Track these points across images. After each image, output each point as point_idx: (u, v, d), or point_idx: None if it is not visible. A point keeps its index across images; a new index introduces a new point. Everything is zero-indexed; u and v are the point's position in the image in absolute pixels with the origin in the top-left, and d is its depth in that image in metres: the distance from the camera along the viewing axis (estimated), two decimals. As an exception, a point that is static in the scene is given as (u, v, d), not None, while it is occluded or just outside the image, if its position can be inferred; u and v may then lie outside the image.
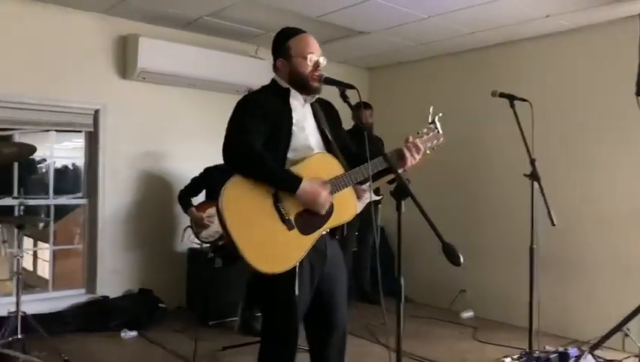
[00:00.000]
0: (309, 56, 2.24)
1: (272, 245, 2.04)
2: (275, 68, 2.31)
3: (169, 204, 4.82)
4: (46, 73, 4.20)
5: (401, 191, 1.88)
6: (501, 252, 4.86)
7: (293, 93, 2.26)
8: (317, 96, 2.34)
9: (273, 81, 2.32)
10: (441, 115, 2.42)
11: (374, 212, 5.04)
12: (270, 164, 2.06)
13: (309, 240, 2.11)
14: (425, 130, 2.39)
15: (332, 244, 2.29)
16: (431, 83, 5.51)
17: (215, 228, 4.29)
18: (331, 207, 2.15)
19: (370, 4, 4.00)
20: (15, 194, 4.14)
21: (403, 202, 1.90)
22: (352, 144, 2.43)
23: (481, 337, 4.37)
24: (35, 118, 4.26)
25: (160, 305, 4.52)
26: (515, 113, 3.16)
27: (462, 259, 1.72)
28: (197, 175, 4.53)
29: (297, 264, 2.07)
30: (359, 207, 2.47)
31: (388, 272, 5.49)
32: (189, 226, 4.47)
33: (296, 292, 2.08)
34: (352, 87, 2.18)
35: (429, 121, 2.41)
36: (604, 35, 4.26)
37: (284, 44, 2.26)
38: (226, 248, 4.12)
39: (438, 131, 2.40)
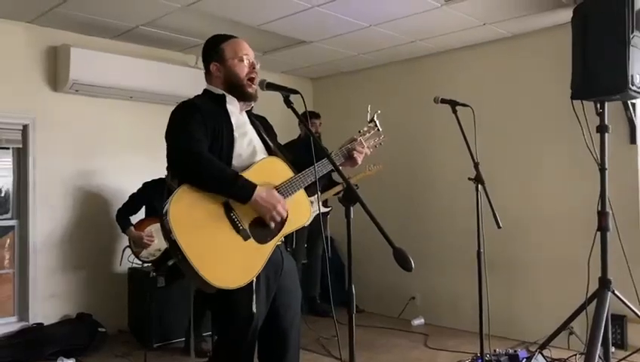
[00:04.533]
0: (244, 58, 2.19)
1: (228, 258, 1.93)
2: (209, 74, 2.24)
3: (106, 223, 4.57)
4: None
5: (350, 197, 1.82)
6: (449, 257, 4.90)
7: (229, 98, 2.19)
8: (252, 106, 2.28)
9: (205, 90, 2.25)
10: (379, 112, 2.43)
11: (323, 223, 5.05)
12: (221, 171, 1.97)
13: (266, 249, 2.02)
14: (365, 129, 2.39)
15: (287, 255, 2.21)
16: (374, 92, 5.54)
17: (156, 246, 4.11)
18: (286, 213, 2.07)
19: (311, 12, 3.97)
20: None
21: (352, 208, 1.85)
22: (297, 155, 2.37)
23: (433, 344, 4.37)
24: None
25: (100, 329, 4.26)
26: (457, 118, 3.19)
27: (413, 264, 1.68)
28: (135, 191, 4.33)
29: (254, 278, 1.97)
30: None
31: (338, 283, 5.46)
32: (127, 246, 4.25)
33: (254, 309, 1.98)
34: (295, 91, 2.13)
35: (368, 119, 2.41)
36: (540, 41, 4.40)
37: (216, 47, 2.21)
38: (168, 266, 3.94)
39: (378, 129, 2.41)
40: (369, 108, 2.40)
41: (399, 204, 5.28)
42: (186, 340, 4.13)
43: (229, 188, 1.95)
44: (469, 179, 3.07)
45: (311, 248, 5.07)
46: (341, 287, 5.41)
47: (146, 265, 4.26)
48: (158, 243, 4.10)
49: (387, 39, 4.67)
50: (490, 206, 2.97)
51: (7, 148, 4.34)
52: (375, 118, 2.41)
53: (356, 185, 1.92)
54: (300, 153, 2.36)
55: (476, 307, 3.09)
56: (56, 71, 4.32)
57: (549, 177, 4.39)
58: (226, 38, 2.24)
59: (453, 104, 3.24)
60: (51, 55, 4.34)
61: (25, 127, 4.26)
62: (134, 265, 4.40)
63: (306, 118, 2.19)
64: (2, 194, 4.64)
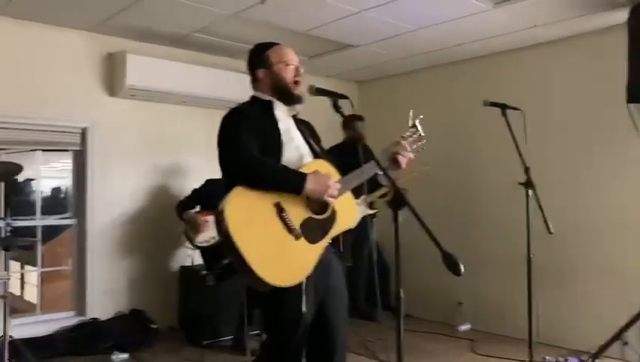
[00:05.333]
0: (289, 62, 2.26)
1: (281, 257, 1.99)
2: (255, 81, 2.32)
3: (159, 223, 4.74)
4: (33, 92, 4.14)
5: (398, 201, 1.84)
6: (497, 262, 4.83)
7: (277, 104, 2.26)
8: (297, 111, 2.34)
9: (253, 97, 2.32)
10: (421, 117, 2.43)
11: (369, 226, 5.05)
12: (272, 166, 2.05)
13: (317, 249, 2.07)
14: (407, 134, 2.41)
15: (335, 257, 2.25)
16: (421, 95, 5.52)
17: (211, 233, 4.16)
18: (334, 213, 2.12)
19: (358, 17, 4.00)
20: (2, 215, 4.05)
21: (400, 212, 1.86)
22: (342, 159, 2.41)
23: (480, 350, 4.31)
24: (21, 137, 4.18)
25: (152, 325, 4.41)
26: (507, 122, 3.15)
27: (462, 269, 1.68)
28: (198, 187, 4.44)
29: (306, 277, 2.02)
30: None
31: (383, 287, 5.44)
32: (183, 231, 4.36)
33: (304, 308, 2.03)
34: (344, 97, 2.18)
35: (410, 124, 2.43)
36: (593, 43, 4.28)
37: (262, 54, 2.30)
38: (219, 265, 4.04)
39: (420, 134, 2.42)
40: (410, 114, 2.42)
41: (446, 208, 5.23)
42: (234, 338, 4.23)
43: (281, 182, 2.02)
44: (519, 183, 3.03)
45: (356, 251, 5.08)
46: (386, 291, 5.43)
47: (195, 262, 4.37)
48: (214, 231, 4.16)
49: (435, 42, 4.65)
50: (541, 211, 2.93)
51: (67, 151, 4.55)
52: (416, 123, 2.42)
53: (405, 189, 1.92)
54: (345, 157, 2.40)
55: (525, 313, 3.04)
56: (113, 77, 4.50)
57: (600, 182, 4.26)
58: (270, 45, 2.32)
59: (502, 107, 3.21)
60: (109, 61, 4.53)
61: (84, 131, 4.46)
62: (185, 264, 4.53)
63: (353, 122, 2.24)
64: (62, 194, 4.88)
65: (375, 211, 4.90)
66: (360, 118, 5.02)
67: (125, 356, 4.03)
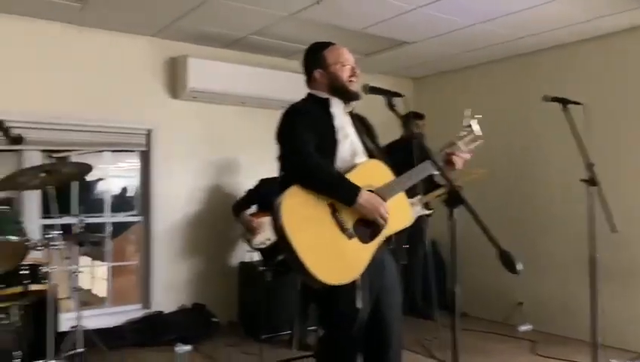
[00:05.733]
0: (346, 62, 2.29)
1: (334, 255, 2.02)
2: (312, 80, 2.34)
3: (220, 220, 4.90)
4: (101, 95, 4.37)
5: (454, 199, 1.83)
6: (560, 261, 4.68)
7: (333, 101, 2.28)
8: (353, 107, 2.35)
9: (310, 94, 2.35)
10: (479, 116, 2.39)
11: (425, 224, 5.00)
12: (328, 172, 2.07)
13: (370, 249, 2.09)
14: (463, 133, 2.37)
15: (388, 255, 2.27)
16: (479, 90, 5.42)
17: (267, 234, 4.29)
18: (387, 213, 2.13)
19: (414, 13, 3.98)
20: (75, 212, 4.31)
21: (455, 211, 1.86)
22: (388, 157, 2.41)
23: (541, 351, 4.20)
24: (90, 139, 4.42)
25: (213, 319, 4.57)
26: (568, 117, 3.06)
27: (520, 267, 1.66)
28: (251, 187, 4.57)
29: (358, 276, 2.05)
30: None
31: (440, 285, 5.38)
32: (242, 234, 4.50)
33: (359, 305, 2.06)
34: (399, 95, 2.19)
35: (465, 124, 2.39)
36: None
37: (318, 54, 2.32)
38: (277, 261, 4.14)
39: (476, 133, 2.37)
40: (466, 112, 2.38)
41: (505, 206, 5.11)
42: (292, 333, 4.31)
43: (335, 192, 2.04)
44: (582, 180, 2.93)
45: (412, 250, 5.04)
46: (443, 290, 5.35)
47: (254, 258, 4.48)
48: (269, 233, 4.27)
49: (493, 36, 4.55)
50: (606, 208, 2.83)
51: (134, 151, 4.78)
52: (472, 123, 2.37)
53: (460, 186, 1.91)
54: (401, 155, 2.40)
55: (589, 314, 2.94)
56: (175, 80, 4.69)
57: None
58: (325, 45, 2.34)
59: (564, 102, 3.11)
60: (171, 65, 4.71)
61: (149, 132, 4.67)
62: (244, 260, 4.66)
63: (409, 119, 2.24)
64: (129, 193, 5.12)
65: (431, 211, 4.88)
66: (419, 117, 4.99)
67: (188, 348, 4.17)
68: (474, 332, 4.68)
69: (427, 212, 4.85)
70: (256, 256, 4.64)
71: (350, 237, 2.05)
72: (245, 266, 4.78)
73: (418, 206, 4.63)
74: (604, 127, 4.14)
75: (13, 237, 2.85)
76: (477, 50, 4.97)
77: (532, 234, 4.89)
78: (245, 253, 4.79)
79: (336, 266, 2.01)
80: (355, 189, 2.04)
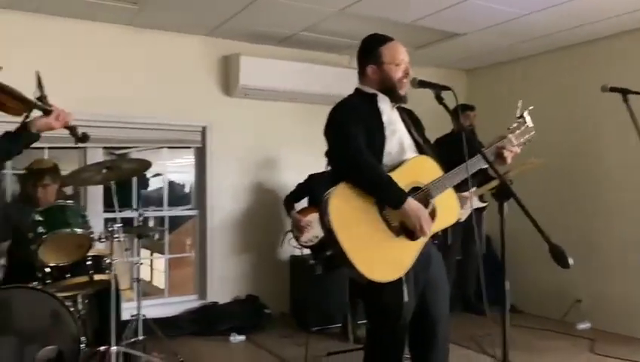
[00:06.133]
0: (401, 63, 2.25)
1: (381, 252, 2.03)
2: (363, 75, 2.31)
3: (272, 213, 5.00)
4: (158, 94, 4.53)
5: (504, 192, 1.81)
6: (621, 258, 4.50)
7: (381, 97, 2.27)
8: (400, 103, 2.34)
9: (357, 89, 2.34)
10: (531, 108, 2.34)
11: (479, 219, 4.92)
12: (377, 173, 2.06)
13: (416, 246, 2.09)
14: (515, 125, 2.32)
15: (434, 250, 2.26)
16: (534, 82, 5.26)
17: (314, 232, 4.36)
18: (434, 210, 2.13)
19: (466, 5, 3.91)
20: (135, 206, 4.51)
21: (506, 204, 1.84)
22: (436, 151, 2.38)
23: (600, 350, 4.05)
24: (149, 136, 4.61)
25: (265, 310, 4.68)
26: (628, 108, 2.92)
27: (571, 262, 1.63)
28: (302, 181, 4.64)
29: (405, 273, 2.05)
30: (463, 214, 2.41)
31: (495, 282, 5.27)
32: (289, 231, 4.59)
33: (405, 298, 2.06)
34: (447, 88, 2.16)
35: (517, 115, 2.34)
36: None
37: (375, 50, 2.27)
38: (327, 255, 4.19)
39: (528, 125, 2.32)
40: (519, 104, 2.33)
41: (564, 200, 4.95)
42: (342, 326, 4.35)
43: (382, 194, 2.05)
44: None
45: (465, 245, 4.98)
46: (498, 286, 5.25)
47: (305, 251, 4.56)
48: (317, 231, 4.34)
49: (549, 25, 4.40)
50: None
51: (190, 148, 4.93)
52: (525, 114, 2.33)
53: (510, 181, 1.88)
54: (452, 148, 2.38)
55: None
56: (228, 78, 4.81)
57: None
58: (384, 40, 2.29)
59: (624, 92, 2.97)
60: (223, 63, 4.83)
61: (204, 129, 4.81)
62: (295, 252, 4.74)
63: (457, 113, 2.21)
64: (186, 188, 5.30)
65: (486, 204, 4.79)
66: (469, 108, 4.91)
67: (242, 338, 4.31)
68: (529, 330, 4.57)
69: (482, 205, 4.78)
70: (306, 250, 4.71)
71: (397, 234, 2.06)
72: (296, 259, 4.86)
73: (473, 198, 4.57)
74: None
75: (79, 230, 3.02)
76: (532, 40, 4.82)
77: (592, 230, 4.72)
78: (291, 247, 4.85)
79: (382, 263, 2.03)
80: (401, 197, 2.02)
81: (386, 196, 2.04)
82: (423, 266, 2.16)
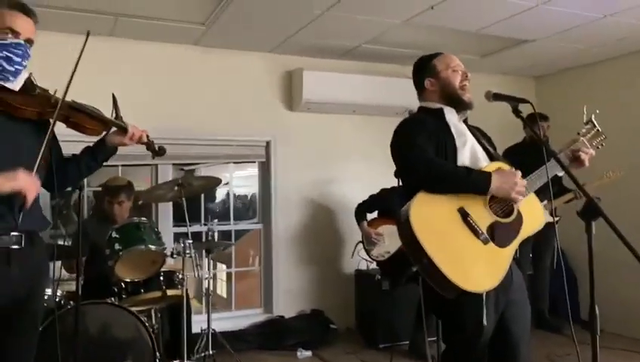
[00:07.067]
0: (456, 68, 2.25)
1: (471, 261, 1.97)
2: (423, 91, 2.32)
3: (336, 227, 4.98)
4: (224, 111, 4.63)
5: (591, 211, 1.70)
6: None
7: (447, 110, 2.24)
8: (466, 116, 2.29)
9: (421, 107, 2.33)
10: (597, 111, 2.30)
11: (551, 232, 4.70)
12: (453, 167, 2.06)
13: (508, 252, 2.02)
14: (584, 131, 2.27)
15: (515, 267, 2.17)
16: (606, 87, 5.00)
17: (386, 247, 4.31)
18: (520, 215, 2.06)
19: (534, 11, 3.77)
20: (203, 221, 4.61)
21: (593, 224, 1.72)
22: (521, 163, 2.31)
23: (693, 375, 3.76)
24: (216, 152, 4.73)
25: (331, 326, 4.65)
26: None
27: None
28: (374, 193, 4.58)
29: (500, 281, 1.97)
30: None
31: (570, 297, 5.00)
32: (360, 241, 4.55)
33: (484, 322, 1.99)
34: (525, 101, 2.10)
35: (584, 121, 2.30)
36: None
37: (428, 63, 2.30)
38: (392, 271, 4.12)
39: (598, 129, 2.28)
40: (584, 109, 2.29)
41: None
42: (410, 343, 4.25)
43: (467, 183, 2.01)
44: None
45: (538, 259, 4.77)
46: (572, 302, 4.98)
47: (370, 266, 4.50)
48: (388, 246, 4.28)
49: (625, 28, 4.18)
50: None
51: (254, 162, 5.00)
52: (592, 119, 2.29)
53: (598, 198, 1.78)
54: (523, 157, 2.31)
55: None
56: (291, 93, 4.86)
57: None
58: (434, 55, 2.32)
59: None
60: (286, 79, 4.89)
61: (268, 143, 4.88)
62: (361, 267, 4.69)
63: (535, 121, 2.15)
64: (251, 201, 5.37)
65: (558, 219, 4.57)
66: (543, 118, 4.71)
67: (309, 353, 4.30)
68: (612, 350, 4.30)
69: (554, 219, 4.56)
70: (372, 264, 4.65)
71: (485, 242, 1.98)
72: (361, 274, 4.80)
73: (545, 213, 4.38)
74: None
75: (154, 247, 3.11)
76: (606, 44, 4.59)
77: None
78: (361, 261, 4.81)
79: (475, 272, 1.96)
80: (485, 174, 2.02)
81: (472, 183, 2.01)
82: (503, 285, 2.07)
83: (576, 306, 4.59)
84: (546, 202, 3.97)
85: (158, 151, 2.28)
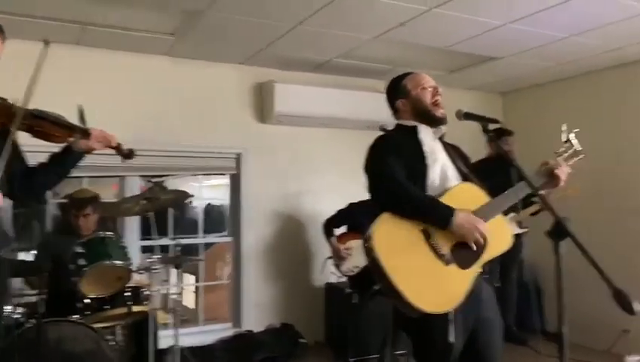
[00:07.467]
0: (426, 85, 2.27)
1: (432, 282, 1.98)
2: (396, 111, 2.35)
3: (307, 240, 4.96)
4: (194, 122, 4.57)
5: (560, 231, 1.73)
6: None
7: (421, 127, 2.26)
8: (443, 133, 2.31)
9: (398, 125, 2.36)
10: (577, 130, 2.31)
11: (519, 245, 4.78)
12: (419, 197, 2.06)
13: (469, 274, 2.03)
14: (562, 150, 2.28)
15: (485, 285, 2.19)
16: (572, 104, 5.14)
17: (354, 262, 4.31)
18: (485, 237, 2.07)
19: (502, 30, 3.86)
20: (170, 234, 4.53)
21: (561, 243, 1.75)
22: (489, 180, 2.33)
23: (652, 386, 3.86)
24: (185, 164, 4.65)
25: (300, 340, 4.61)
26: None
27: (637, 308, 1.54)
28: (342, 208, 4.58)
29: (460, 302, 1.98)
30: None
31: (533, 308, 5.10)
32: (329, 257, 4.54)
33: (451, 339, 1.99)
34: (495, 121, 2.14)
35: (563, 139, 2.31)
36: None
37: (399, 85, 2.33)
38: (363, 284, 4.12)
39: (576, 148, 2.28)
40: (563, 128, 2.30)
41: (605, 225, 4.77)
42: (380, 357, 4.25)
43: (429, 214, 2.02)
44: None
45: (504, 272, 4.84)
46: (537, 313, 5.06)
47: (341, 279, 4.49)
48: (358, 260, 4.28)
49: (589, 48, 4.31)
50: None
51: (225, 174, 4.95)
52: (571, 137, 2.29)
53: (566, 218, 1.81)
54: (491, 174, 2.31)
55: None
56: (263, 105, 4.83)
57: None
58: (404, 75, 2.36)
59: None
60: (258, 91, 4.86)
61: (238, 156, 4.83)
62: (331, 280, 4.67)
63: (498, 136, 2.18)
64: (220, 214, 5.30)
65: (525, 230, 4.66)
66: (507, 133, 4.81)
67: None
68: (574, 362, 4.38)
69: (521, 231, 4.64)
70: (342, 278, 4.64)
71: (447, 263, 2.00)
72: (331, 287, 4.79)
73: (511, 225, 4.45)
74: None
75: (120, 262, 3.03)
76: (572, 62, 4.72)
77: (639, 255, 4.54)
78: (331, 275, 4.80)
79: (434, 293, 1.97)
80: (449, 210, 2.00)
81: (433, 216, 2.01)
82: (472, 303, 2.08)
83: (542, 319, 4.68)
84: (513, 214, 4.05)
85: (128, 154, 2.25)
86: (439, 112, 2.26)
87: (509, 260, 4.75)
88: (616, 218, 4.79)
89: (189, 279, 6.11)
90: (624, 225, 4.72)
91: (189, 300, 6.64)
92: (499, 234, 2.12)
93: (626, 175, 4.71)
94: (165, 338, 3.76)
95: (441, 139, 2.32)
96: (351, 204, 4.52)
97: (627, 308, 1.56)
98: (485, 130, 2.14)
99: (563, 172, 2.20)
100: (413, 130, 2.26)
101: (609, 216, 4.81)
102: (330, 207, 4.65)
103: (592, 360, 4.46)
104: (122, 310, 3.18)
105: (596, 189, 4.56)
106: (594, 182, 4.42)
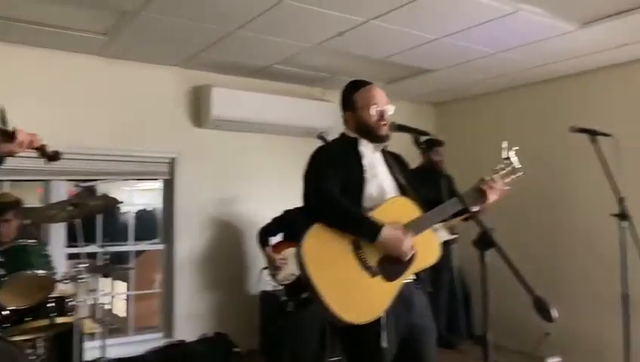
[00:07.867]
0: (373, 108, 2.28)
1: (356, 294, 2.01)
2: (345, 121, 2.38)
3: (242, 247, 4.90)
4: (126, 125, 4.42)
5: (485, 241, 1.80)
6: (591, 294, 4.55)
7: (361, 141, 2.30)
8: (386, 144, 2.35)
9: (342, 134, 2.39)
10: (517, 148, 2.37)
11: (450, 251, 4.92)
12: (349, 212, 2.08)
13: (394, 286, 2.07)
14: (501, 166, 2.35)
15: (418, 292, 2.23)
16: (502, 116, 5.37)
17: (290, 270, 4.29)
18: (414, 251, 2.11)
19: (436, 43, 3.98)
20: (99, 241, 4.35)
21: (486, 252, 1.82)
22: (423, 190, 2.39)
23: (571, 385, 4.07)
24: (116, 168, 4.48)
25: (234, 349, 4.54)
26: (597, 149, 3.01)
27: (555, 315, 1.62)
28: (277, 216, 4.55)
29: (383, 314, 2.02)
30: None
31: (467, 314, 5.24)
32: (265, 268, 4.50)
33: (384, 344, 2.03)
34: (426, 133, 2.20)
35: (504, 156, 2.37)
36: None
37: (350, 97, 2.34)
38: (301, 298, 4.11)
39: (514, 166, 2.35)
40: (504, 145, 2.36)
41: (533, 235, 5.02)
42: (314, 365, 4.26)
43: (357, 228, 2.05)
44: (612, 215, 2.87)
45: (436, 277, 4.97)
46: (469, 319, 5.21)
47: (279, 287, 4.48)
48: (293, 268, 4.26)
49: (515, 64, 4.53)
50: (638, 243, 2.76)
51: (158, 180, 4.81)
52: (511, 155, 2.35)
53: (492, 228, 1.88)
54: (424, 183, 2.39)
55: (622, 350, 2.86)
56: (199, 109, 4.74)
57: None
58: (358, 87, 2.35)
59: (592, 133, 3.07)
60: (195, 94, 4.77)
61: (172, 160, 4.71)
62: (267, 288, 4.64)
63: (430, 146, 2.23)
64: (152, 221, 5.15)
65: (455, 236, 4.81)
66: (438, 144, 4.96)
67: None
68: (500, 364, 4.56)
69: (452, 237, 4.79)
70: (277, 286, 4.61)
71: (373, 275, 2.04)
72: (266, 295, 4.75)
73: (442, 231, 4.58)
74: (635, 160, 4.03)
75: (42, 272, 2.88)
76: (500, 76, 4.94)
77: (563, 265, 4.78)
78: (266, 283, 4.76)
79: (357, 304, 2.00)
80: (376, 226, 2.03)
81: (361, 230, 2.04)
82: (404, 309, 2.13)
83: (470, 322, 4.82)
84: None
85: (53, 156, 2.12)
86: (383, 131, 2.27)
87: (440, 266, 4.86)
88: (541, 228, 5.03)
89: (121, 286, 5.90)
90: (545, 236, 4.96)
91: (119, 308, 6.40)
92: (427, 247, 2.18)
93: (552, 187, 4.96)
94: (92, 350, 3.62)
95: (383, 150, 2.36)
96: (287, 211, 4.51)
97: (546, 316, 1.64)
98: (417, 142, 2.20)
99: (492, 190, 2.26)
100: (354, 142, 2.29)
101: (535, 226, 5.05)
102: (267, 213, 4.62)
103: (515, 361, 4.66)
104: (44, 321, 3.01)
105: (522, 200, 4.76)
106: (520, 192, 4.61)
